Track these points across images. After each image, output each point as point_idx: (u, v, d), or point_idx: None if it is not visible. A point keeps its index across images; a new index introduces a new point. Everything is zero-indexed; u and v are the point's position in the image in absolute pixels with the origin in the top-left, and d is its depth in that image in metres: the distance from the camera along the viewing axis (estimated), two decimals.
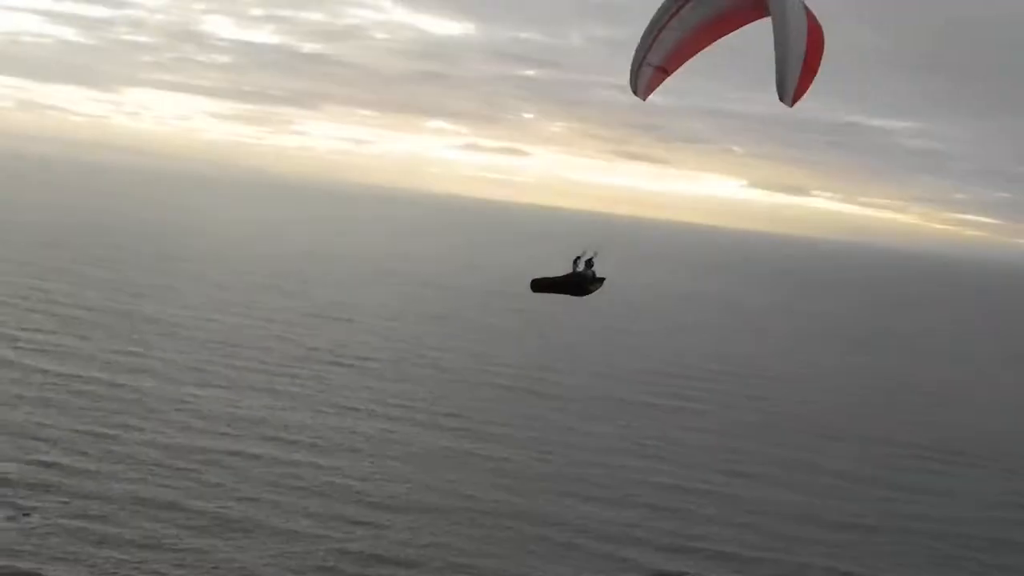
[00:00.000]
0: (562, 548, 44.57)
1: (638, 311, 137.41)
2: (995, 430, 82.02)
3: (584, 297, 27.11)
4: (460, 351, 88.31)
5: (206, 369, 69.13)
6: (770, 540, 48.56)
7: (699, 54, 21.81)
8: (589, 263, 26.51)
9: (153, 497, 44.08)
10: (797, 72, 19.47)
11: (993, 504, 59.63)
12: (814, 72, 19.94)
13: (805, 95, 20.12)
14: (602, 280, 26.93)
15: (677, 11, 20.89)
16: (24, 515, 40.68)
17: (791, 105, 19.84)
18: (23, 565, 36.75)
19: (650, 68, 21.51)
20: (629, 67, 21.73)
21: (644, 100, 22.15)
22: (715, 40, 21.70)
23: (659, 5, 21.14)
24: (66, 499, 42.73)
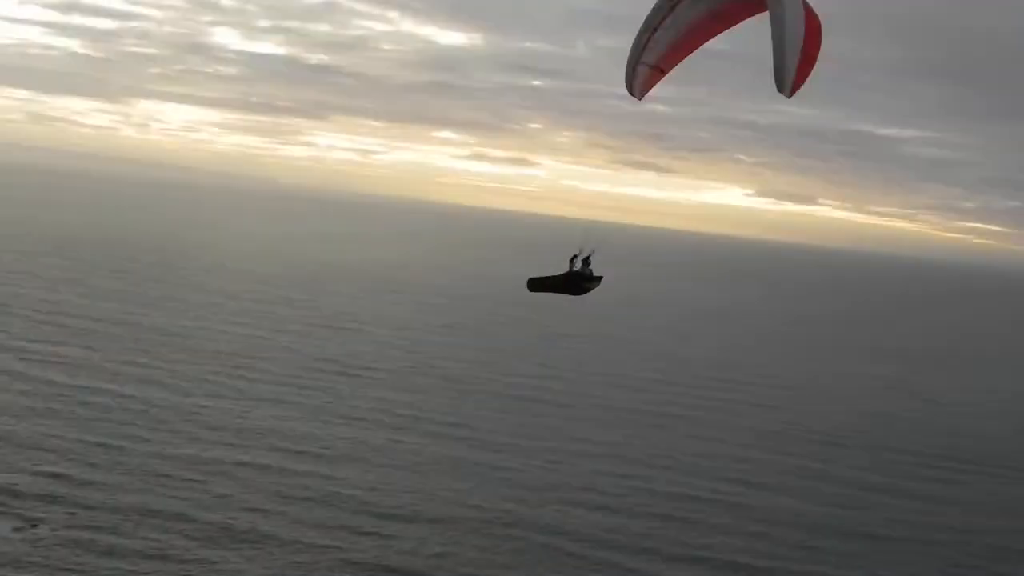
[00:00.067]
0: (570, 558, 44.37)
1: (644, 319, 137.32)
2: (1005, 438, 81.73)
3: (582, 296, 26.19)
4: (468, 361, 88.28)
5: (214, 380, 69.20)
6: (780, 549, 48.32)
7: (699, 54, 21.69)
8: (586, 261, 25.51)
9: (161, 508, 44.05)
10: (796, 60, 18.82)
11: (1004, 512, 59.29)
12: (813, 61, 19.29)
13: (804, 86, 19.47)
14: (599, 279, 25.90)
15: (671, 10, 20.68)
16: (32, 526, 40.69)
17: (789, 96, 19.26)
18: None
19: (646, 68, 21.35)
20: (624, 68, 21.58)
21: (640, 100, 21.98)
22: (711, 38, 21.45)
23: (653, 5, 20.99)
24: (74, 510, 42.74)
